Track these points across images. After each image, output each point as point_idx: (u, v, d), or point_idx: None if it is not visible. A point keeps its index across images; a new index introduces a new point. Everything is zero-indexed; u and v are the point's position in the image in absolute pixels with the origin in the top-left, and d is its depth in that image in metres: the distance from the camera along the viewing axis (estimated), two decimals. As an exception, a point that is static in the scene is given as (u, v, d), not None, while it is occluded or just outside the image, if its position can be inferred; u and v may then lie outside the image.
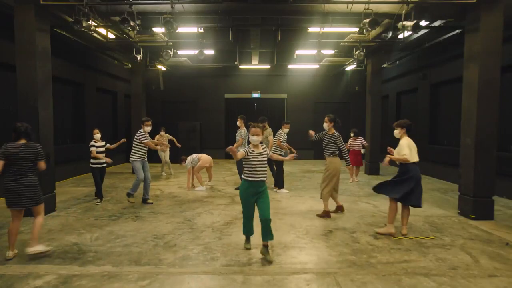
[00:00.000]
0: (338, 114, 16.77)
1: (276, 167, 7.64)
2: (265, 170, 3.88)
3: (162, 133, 10.05)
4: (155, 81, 10.87)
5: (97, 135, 6.62)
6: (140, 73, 10.62)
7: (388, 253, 4.04)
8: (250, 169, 3.84)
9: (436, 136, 10.14)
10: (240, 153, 3.81)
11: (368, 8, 6.12)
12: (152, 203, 6.50)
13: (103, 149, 6.67)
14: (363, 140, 9.26)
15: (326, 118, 5.76)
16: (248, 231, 4.11)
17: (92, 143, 6.54)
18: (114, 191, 7.77)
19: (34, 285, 3.24)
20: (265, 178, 3.88)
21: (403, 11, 6.02)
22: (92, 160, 6.54)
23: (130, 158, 6.37)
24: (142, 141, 6.30)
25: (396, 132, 4.72)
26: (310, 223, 5.26)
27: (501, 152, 6.73)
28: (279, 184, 7.66)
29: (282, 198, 7.04)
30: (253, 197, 3.85)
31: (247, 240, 4.19)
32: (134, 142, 6.38)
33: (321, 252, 4.08)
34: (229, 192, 7.59)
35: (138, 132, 6.37)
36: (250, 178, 3.84)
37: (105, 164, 6.72)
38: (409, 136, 4.67)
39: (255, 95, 14.51)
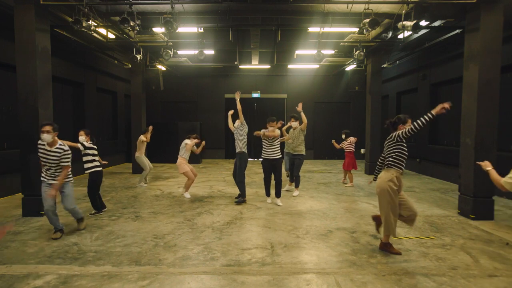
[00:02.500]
0: (338, 114, 16.63)
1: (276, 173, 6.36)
2: None
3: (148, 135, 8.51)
4: (155, 81, 10.86)
5: (81, 138, 5.64)
6: (140, 73, 10.62)
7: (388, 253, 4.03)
8: None
9: (436, 136, 10.15)
10: None
11: (368, 8, 6.13)
12: (59, 237, 4.54)
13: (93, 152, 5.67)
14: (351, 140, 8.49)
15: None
16: None
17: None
18: (114, 191, 7.78)
19: (34, 285, 3.24)
20: None
21: (403, 11, 6.03)
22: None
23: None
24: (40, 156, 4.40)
25: None
26: (310, 223, 5.27)
27: (501, 152, 6.74)
28: (277, 193, 6.49)
29: (282, 198, 7.03)
30: None
31: None
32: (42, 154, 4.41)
33: (321, 252, 4.08)
34: (229, 192, 7.59)
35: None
36: None
37: (90, 170, 5.62)
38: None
39: (255, 95, 14.52)
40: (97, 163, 5.69)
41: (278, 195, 6.49)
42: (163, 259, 3.84)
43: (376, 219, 4.28)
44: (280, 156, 6.34)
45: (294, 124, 7.34)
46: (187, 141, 7.09)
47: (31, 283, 3.26)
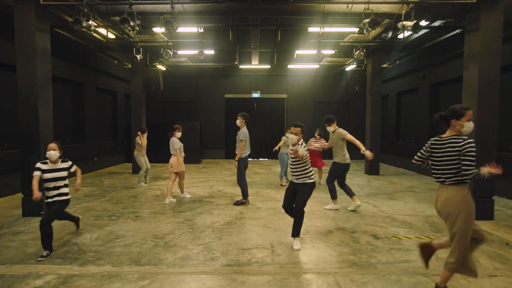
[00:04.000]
0: (338, 114, 16.71)
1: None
2: None
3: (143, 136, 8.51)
4: (155, 81, 10.86)
5: (51, 152, 4.04)
6: (140, 73, 10.62)
7: (388, 253, 4.04)
8: None
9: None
10: None
11: (368, 8, 6.13)
12: None
13: (64, 173, 4.17)
14: (325, 143, 8.16)
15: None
16: None
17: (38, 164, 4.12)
18: (114, 191, 7.78)
19: (34, 285, 3.24)
20: None
21: (403, 11, 6.03)
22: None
23: None
24: None
25: None
26: (310, 223, 5.26)
27: (501, 152, 6.73)
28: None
29: (281, 198, 7.01)
30: None
31: None
32: None
33: (321, 252, 4.08)
34: (229, 192, 7.59)
35: None
36: None
37: (65, 197, 4.19)
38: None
39: (255, 95, 14.52)
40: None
41: (295, 233, 4.17)
42: (163, 259, 3.84)
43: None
44: (311, 180, 4.23)
45: (330, 128, 6.05)
46: (174, 138, 6.90)
47: (31, 283, 3.26)
